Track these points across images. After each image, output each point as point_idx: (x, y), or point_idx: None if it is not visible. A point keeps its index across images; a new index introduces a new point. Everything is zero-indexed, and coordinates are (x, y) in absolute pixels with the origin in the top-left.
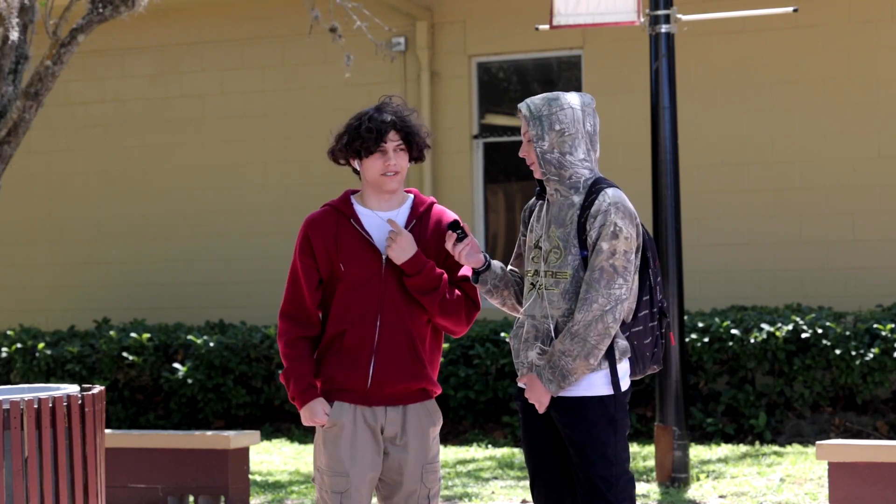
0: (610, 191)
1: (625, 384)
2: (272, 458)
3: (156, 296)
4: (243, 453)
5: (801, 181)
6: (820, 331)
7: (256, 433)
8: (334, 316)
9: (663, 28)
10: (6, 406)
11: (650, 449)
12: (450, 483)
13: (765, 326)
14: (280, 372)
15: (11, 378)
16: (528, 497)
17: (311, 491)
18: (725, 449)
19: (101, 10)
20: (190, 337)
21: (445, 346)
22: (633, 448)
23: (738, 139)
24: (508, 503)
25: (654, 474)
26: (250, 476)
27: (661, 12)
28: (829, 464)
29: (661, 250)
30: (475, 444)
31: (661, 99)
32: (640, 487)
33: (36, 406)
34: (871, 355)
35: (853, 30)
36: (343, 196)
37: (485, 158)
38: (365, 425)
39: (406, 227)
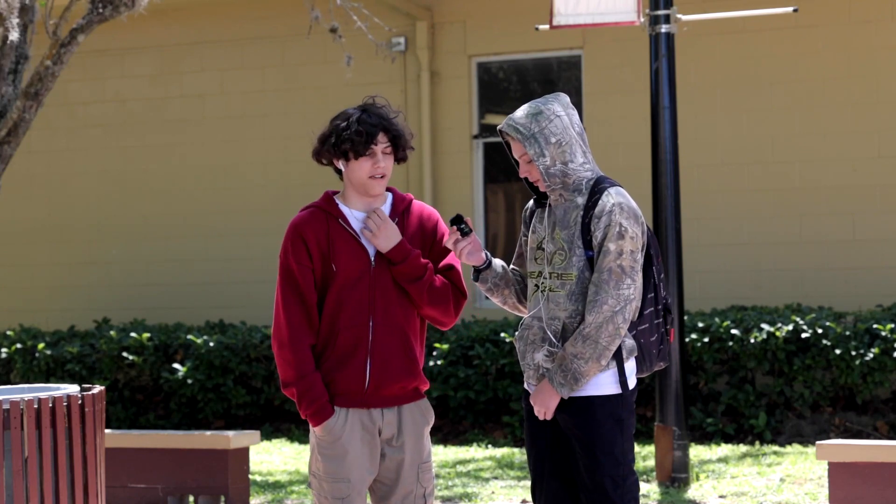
0: (613, 190)
1: (632, 383)
2: (272, 458)
3: (156, 296)
4: (243, 453)
5: (801, 181)
6: (820, 331)
7: (256, 433)
8: (326, 317)
9: (663, 28)
10: (6, 406)
11: (650, 449)
12: (450, 483)
13: (765, 326)
14: (286, 385)
15: (11, 378)
16: (529, 497)
17: (311, 491)
18: (725, 449)
19: (101, 11)
20: (190, 337)
21: (445, 346)
22: (634, 448)
23: (738, 139)
24: (508, 503)
25: (654, 474)
26: (250, 476)
27: (661, 12)
28: (829, 464)
29: (661, 250)
30: (475, 445)
31: (661, 99)
32: (641, 487)
33: (36, 406)
34: (871, 355)
35: (853, 30)
36: (326, 197)
37: (485, 158)
38: (363, 429)
39: None
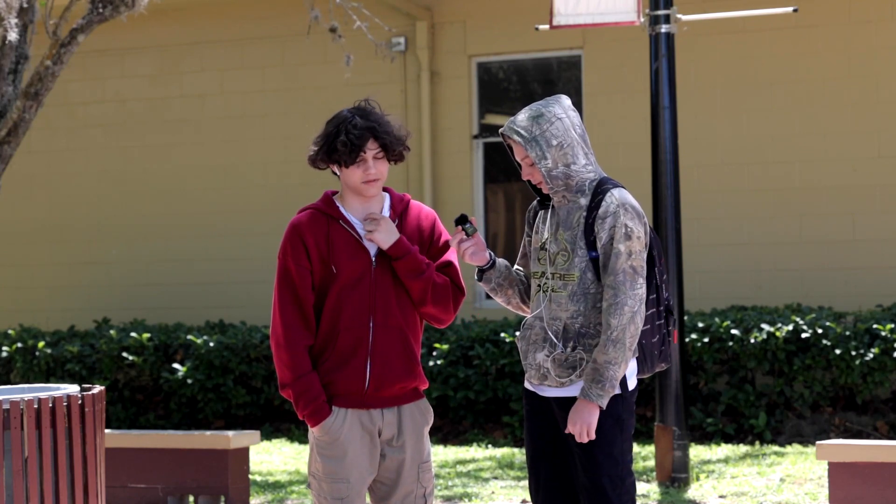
0: (616, 191)
1: (632, 383)
2: (272, 457)
3: (156, 296)
4: (243, 453)
5: (801, 181)
6: (820, 331)
7: (256, 433)
8: (327, 319)
9: (663, 28)
10: (6, 406)
11: (650, 449)
12: (450, 483)
13: (765, 326)
14: (283, 385)
15: (11, 378)
16: (528, 497)
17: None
18: (725, 449)
19: (101, 10)
20: (190, 337)
21: (444, 346)
22: (633, 448)
23: (738, 139)
24: (508, 503)
25: (654, 474)
26: (250, 476)
27: (661, 12)
28: (830, 464)
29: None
30: (475, 445)
31: (661, 99)
32: (640, 487)
33: (36, 406)
34: (871, 355)
35: (853, 30)
36: (325, 198)
37: (485, 158)
38: (363, 430)
39: None
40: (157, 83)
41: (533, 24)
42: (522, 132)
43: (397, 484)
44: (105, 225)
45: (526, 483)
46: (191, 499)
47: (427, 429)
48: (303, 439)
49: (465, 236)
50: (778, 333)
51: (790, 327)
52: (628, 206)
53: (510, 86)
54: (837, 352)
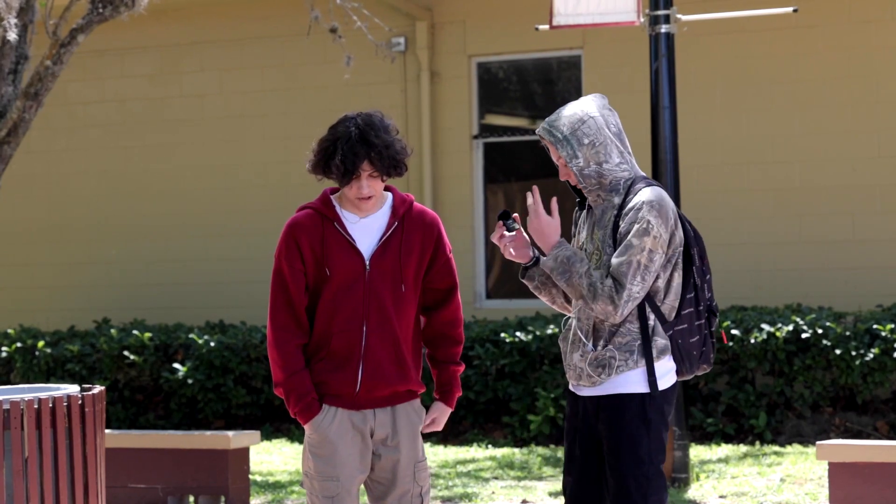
0: (647, 189)
1: (664, 384)
2: (272, 458)
3: (156, 296)
4: (243, 453)
5: (801, 181)
6: (820, 331)
7: (256, 433)
8: (320, 321)
9: (663, 28)
10: (6, 406)
11: None
12: (450, 483)
13: (765, 326)
14: (276, 384)
15: (11, 378)
16: (529, 497)
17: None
18: (726, 449)
19: (100, 10)
20: (190, 336)
21: None
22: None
23: (737, 139)
24: (509, 503)
25: None
26: (250, 476)
27: (660, 12)
28: (830, 464)
29: None
30: (475, 445)
31: (661, 99)
32: None
33: (36, 406)
34: (872, 355)
35: (853, 30)
36: (324, 198)
37: (485, 158)
38: (353, 429)
39: (387, 230)
40: (156, 83)
41: (533, 24)
42: (554, 132)
43: (393, 484)
44: (105, 225)
45: (526, 483)
46: (191, 499)
47: (421, 428)
48: (303, 439)
49: (506, 232)
50: (778, 333)
51: (790, 327)
52: (655, 203)
53: (510, 86)
54: (837, 352)
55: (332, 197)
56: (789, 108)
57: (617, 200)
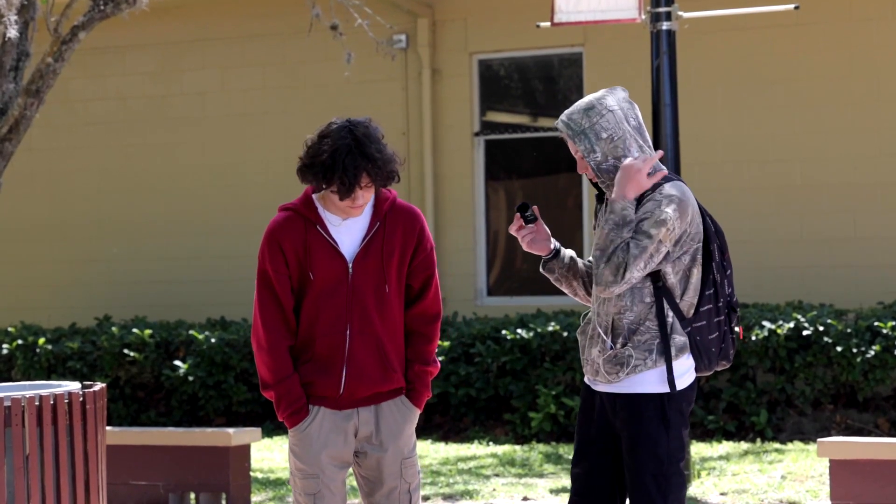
0: (670, 184)
1: (683, 382)
2: (273, 455)
3: (157, 293)
4: (244, 450)
5: (802, 179)
6: (821, 328)
7: (258, 430)
8: (304, 323)
9: (664, 25)
10: (7, 403)
11: None
12: (451, 480)
13: (766, 324)
14: (265, 386)
15: (13, 375)
16: (530, 494)
17: None
18: (727, 446)
19: (102, 8)
20: (191, 333)
21: (446, 343)
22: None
23: (739, 137)
24: (510, 500)
25: None
26: (251, 473)
27: (662, 9)
28: (831, 461)
29: None
30: (476, 442)
31: (663, 96)
32: None
33: (37, 403)
34: (873, 353)
35: (854, 27)
36: (305, 198)
37: (486, 156)
38: (335, 427)
39: (369, 231)
40: (158, 80)
41: (534, 22)
42: (572, 125)
43: (381, 480)
44: (106, 222)
45: (527, 480)
46: (192, 496)
47: (409, 424)
48: None
49: (524, 224)
50: (779, 331)
51: (791, 325)
52: (675, 197)
53: (511, 83)
54: (839, 349)
55: (313, 197)
56: (790, 106)
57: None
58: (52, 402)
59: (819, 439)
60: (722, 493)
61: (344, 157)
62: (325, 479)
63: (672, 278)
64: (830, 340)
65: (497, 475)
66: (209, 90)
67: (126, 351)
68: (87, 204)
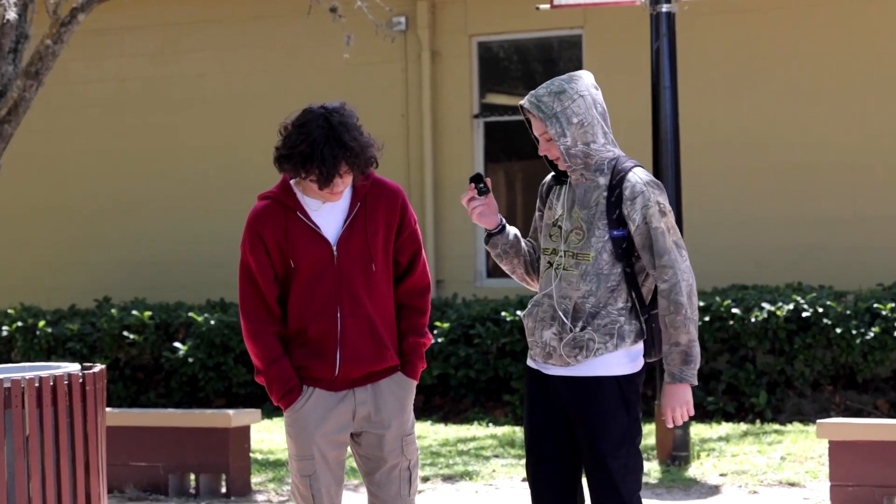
0: (638, 170)
1: (637, 365)
2: (273, 436)
3: (156, 275)
4: (244, 432)
5: (802, 160)
6: (821, 310)
7: (257, 412)
8: (293, 312)
9: (664, 7)
10: (7, 385)
11: (651, 427)
12: (451, 462)
13: (765, 305)
14: (257, 372)
15: (12, 357)
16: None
17: None
18: (726, 427)
19: None
20: (191, 315)
21: (445, 325)
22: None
23: (738, 118)
24: (509, 481)
25: (654, 453)
26: (251, 454)
27: None
28: (830, 442)
29: None
30: (476, 423)
31: (662, 79)
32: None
33: (37, 385)
34: (872, 334)
35: (854, 9)
36: (283, 185)
37: (485, 138)
38: (330, 408)
39: (350, 211)
40: (157, 62)
41: (533, 4)
42: (543, 107)
43: (382, 459)
44: (105, 204)
45: None
46: (192, 477)
47: (408, 401)
48: None
49: (476, 195)
50: (779, 312)
51: (791, 306)
52: (653, 183)
53: (511, 65)
54: (838, 331)
55: (291, 183)
56: (790, 88)
57: (603, 181)
58: (51, 384)
59: (818, 420)
60: (721, 474)
61: (322, 146)
62: (320, 459)
63: (637, 264)
64: (830, 322)
65: (497, 456)
66: (209, 72)
67: (126, 333)
68: (87, 186)
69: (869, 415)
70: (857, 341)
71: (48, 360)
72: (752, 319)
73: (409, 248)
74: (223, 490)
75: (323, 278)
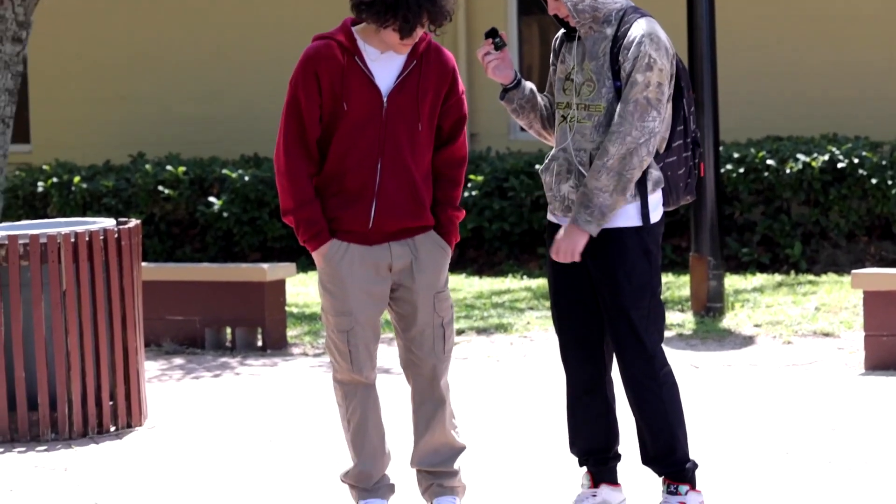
0: (643, 20)
1: (656, 215)
2: (308, 289)
3: (190, 130)
4: (279, 285)
5: (839, 9)
6: (856, 160)
7: (292, 265)
8: (334, 156)
9: None
10: (43, 240)
11: (685, 279)
12: (485, 314)
13: (800, 156)
14: (285, 212)
15: (48, 212)
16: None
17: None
18: (760, 278)
19: None
20: (225, 171)
21: (479, 178)
22: (668, 278)
23: None
24: (544, 333)
25: (689, 304)
26: (286, 308)
27: None
28: (864, 292)
29: (696, 80)
30: (510, 276)
31: None
32: (676, 317)
33: (73, 240)
34: None
35: None
36: (345, 29)
37: None
38: (365, 264)
39: (405, 68)
40: None
41: None
42: None
43: (415, 316)
44: (138, 59)
45: None
46: (228, 330)
47: (444, 259)
48: None
49: (492, 49)
50: (814, 163)
51: (826, 157)
52: (654, 36)
53: None
54: (873, 181)
55: (353, 29)
56: None
57: (609, 31)
58: (87, 239)
59: (853, 271)
60: (756, 325)
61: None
62: (357, 315)
63: None
64: (865, 173)
65: (531, 308)
66: None
67: (160, 188)
68: (119, 41)
69: None
70: (893, 192)
71: (84, 215)
72: (787, 171)
73: (455, 115)
74: (259, 343)
75: (368, 128)
